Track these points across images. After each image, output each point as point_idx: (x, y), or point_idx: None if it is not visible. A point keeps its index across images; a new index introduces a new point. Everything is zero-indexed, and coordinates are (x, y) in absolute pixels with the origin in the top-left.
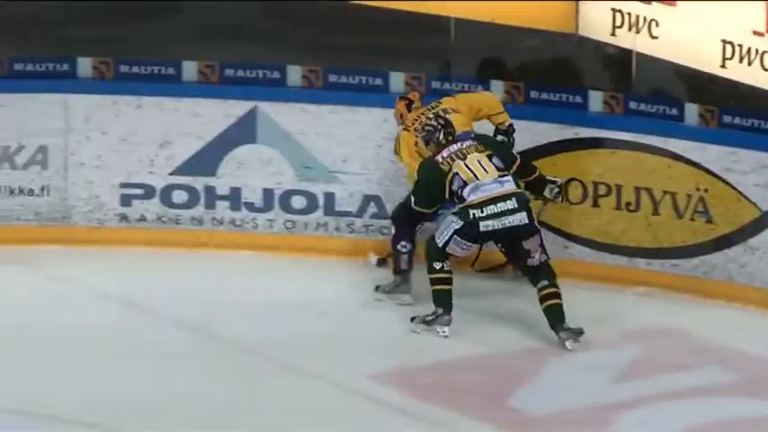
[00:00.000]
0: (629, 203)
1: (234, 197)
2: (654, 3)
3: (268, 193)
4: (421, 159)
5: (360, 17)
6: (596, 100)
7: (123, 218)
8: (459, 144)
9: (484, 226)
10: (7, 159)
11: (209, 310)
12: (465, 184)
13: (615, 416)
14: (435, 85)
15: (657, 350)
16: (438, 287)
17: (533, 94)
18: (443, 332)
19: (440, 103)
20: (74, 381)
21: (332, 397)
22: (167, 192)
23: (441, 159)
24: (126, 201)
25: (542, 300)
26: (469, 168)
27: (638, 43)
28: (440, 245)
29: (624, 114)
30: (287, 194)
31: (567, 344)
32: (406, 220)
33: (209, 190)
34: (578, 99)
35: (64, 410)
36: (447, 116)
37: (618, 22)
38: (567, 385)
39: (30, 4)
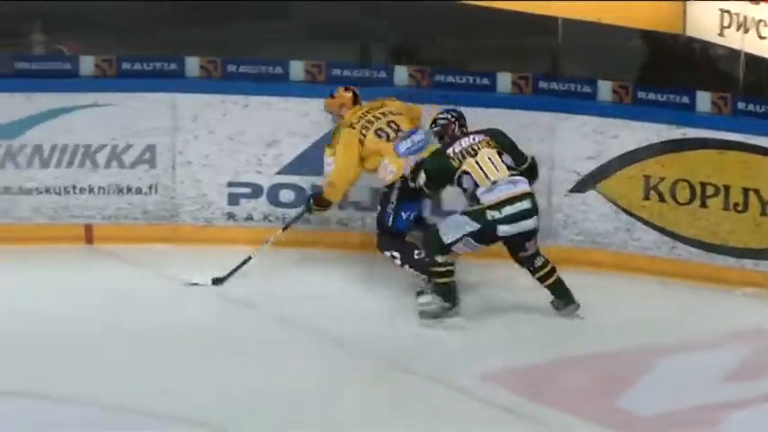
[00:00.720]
0: (736, 204)
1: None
2: (762, 3)
3: (375, 193)
4: (362, 158)
5: (467, 17)
6: (704, 100)
7: (230, 216)
8: (470, 139)
9: (502, 231)
10: (115, 158)
11: (316, 309)
12: (477, 185)
13: (723, 416)
14: (543, 85)
15: (765, 351)
16: (442, 280)
17: (641, 94)
18: (460, 324)
19: (384, 103)
20: (180, 379)
21: (440, 397)
22: (274, 191)
23: (452, 154)
24: (233, 199)
25: (543, 279)
26: (480, 167)
27: (747, 43)
28: (446, 242)
29: (732, 115)
30: None
31: (578, 313)
32: (385, 235)
33: (316, 189)
34: (686, 99)
35: (171, 409)
36: (397, 117)
37: (726, 23)
38: (674, 385)
39: (139, 4)
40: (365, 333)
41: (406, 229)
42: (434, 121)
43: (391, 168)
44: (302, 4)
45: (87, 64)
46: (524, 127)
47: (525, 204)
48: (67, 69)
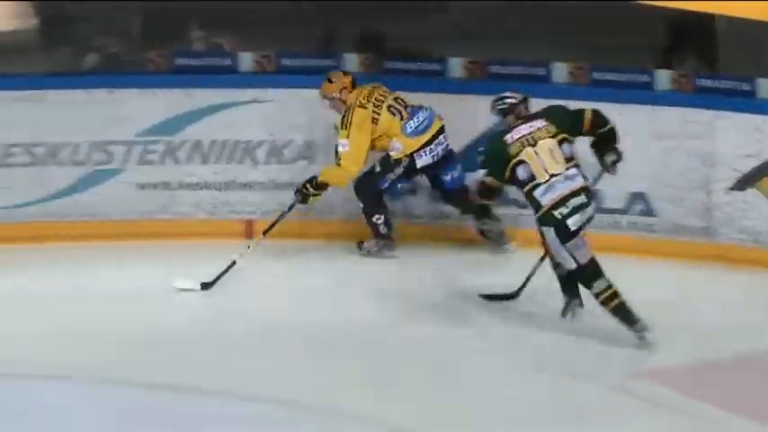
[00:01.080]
0: None
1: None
2: None
3: None
4: (373, 136)
5: (628, 15)
6: None
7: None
8: (529, 126)
9: (573, 223)
10: (275, 154)
11: (485, 307)
12: (533, 177)
13: None
14: (702, 82)
15: None
16: (612, 304)
17: None
18: (645, 337)
19: (379, 85)
20: (360, 376)
21: (597, 394)
22: None
23: (510, 140)
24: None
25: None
26: (540, 158)
27: None
28: (574, 267)
29: None
30: None
31: (573, 313)
32: (369, 191)
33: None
34: None
35: (369, 411)
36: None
37: None
38: None
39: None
40: (531, 330)
41: (393, 195)
42: (500, 99)
43: (398, 146)
44: (462, 4)
45: (246, 60)
46: (684, 124)
47: (582, 198)
48: (227, 65)
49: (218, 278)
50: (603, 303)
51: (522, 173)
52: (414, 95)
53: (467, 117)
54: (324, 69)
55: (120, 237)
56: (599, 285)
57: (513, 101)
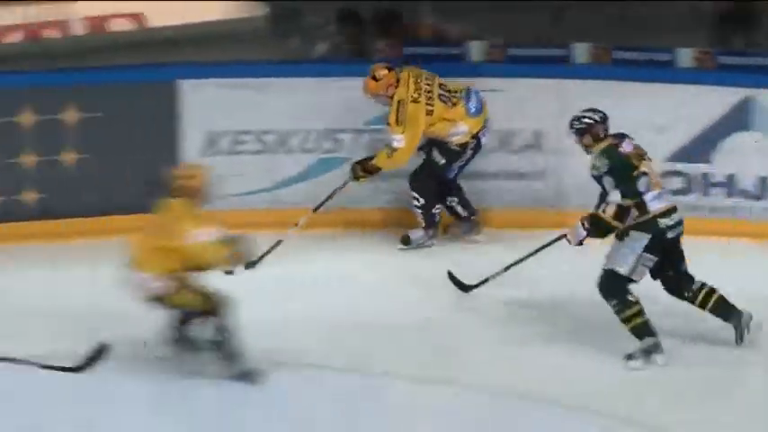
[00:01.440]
0: None
1: (729, 184)
2: None
3: (763, 181)
4: (427, 124)
5: None
6: None
7: None
8: (629, 143)
9: (670, 235)
10: (504, 144)
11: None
12: (648, 188)
13: None
14: None
15: None
16: (635, 322)
17: None
18: (661, 361)
19: (434, 76)
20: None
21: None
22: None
23: (624, 152)
24: None
25: (706, 297)
26: (653, 171)
27: None
28: (626, 274)
29: None
30: None
31: (744, 338)
32: (430, 185)
33: (704, 177)
34: None
35: (602, 406)
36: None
37: None
38: None
39: None
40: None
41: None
42: (578, 119)
43: (463, 129)
44: None
45: (476, 49)
46: None
47: (680, 215)
48: (455, 54)
49: (261, 258)
50: (625, 321)
51: (642, 185)
52: (644, 86)
53: (696, 107)
54: (551, 59)
55: (345, 225)
56: (629, 299)
57: (591, 121)
